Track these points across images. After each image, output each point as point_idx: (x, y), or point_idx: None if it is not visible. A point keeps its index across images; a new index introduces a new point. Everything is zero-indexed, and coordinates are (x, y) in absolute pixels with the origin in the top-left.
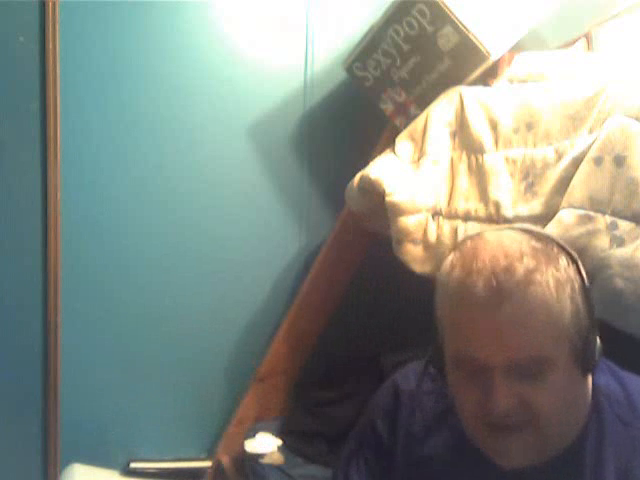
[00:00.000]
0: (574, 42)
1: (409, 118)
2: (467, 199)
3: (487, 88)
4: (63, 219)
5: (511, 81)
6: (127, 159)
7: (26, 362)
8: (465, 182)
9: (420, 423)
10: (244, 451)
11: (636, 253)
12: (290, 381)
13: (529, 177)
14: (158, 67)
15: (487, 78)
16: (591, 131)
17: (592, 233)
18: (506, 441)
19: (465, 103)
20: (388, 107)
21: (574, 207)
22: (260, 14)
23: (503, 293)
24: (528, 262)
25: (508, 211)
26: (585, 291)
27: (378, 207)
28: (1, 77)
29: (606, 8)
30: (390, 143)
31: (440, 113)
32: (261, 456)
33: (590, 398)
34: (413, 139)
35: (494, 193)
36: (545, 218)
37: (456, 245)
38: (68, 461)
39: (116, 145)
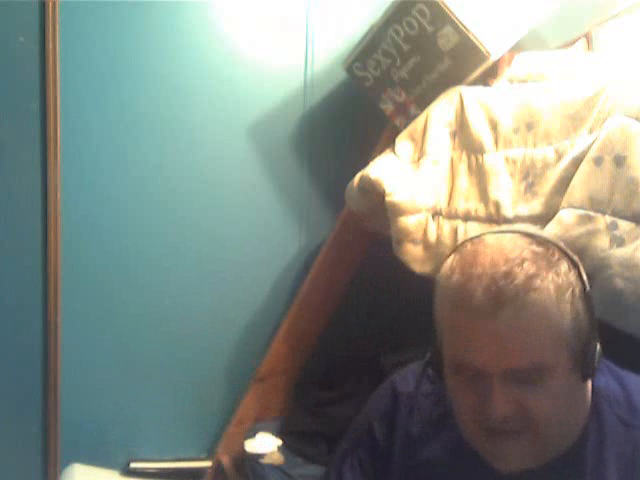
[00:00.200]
0: (574, 42)
1: (409, 118)
2: (467, 199)
3: (487, 88)
4: (63, 219)
5: (511, 81)
6: (127, 159)
7: (26, 362)
8: (465, 182)
9: (418, 426)
10: (244, 451)
11: (636, 253)
12: (290, 381)
13: (529, 177)
14: (158, 67)
15: (487, 78)
16: (591, 131)
17: (592, 233)
18: (504, 445)
19: (465, 103)
20: (388, 107)
21: (574, 207)
22: (260, 14)
23: (502, 299)
24: (528, 267)
25: (508, 211)
26: (586, 296)
27: (378, 207)
28: (1, 77)
29: (606, 8)
30: (390, 143)
31: (440, 113)
32: (261, 456)
33: (590, 400)
34: (413, 139)
35: (494, 193)
36: (545, 218)
37: (456, 248)
38: (68, 461)
39: (116, 145)
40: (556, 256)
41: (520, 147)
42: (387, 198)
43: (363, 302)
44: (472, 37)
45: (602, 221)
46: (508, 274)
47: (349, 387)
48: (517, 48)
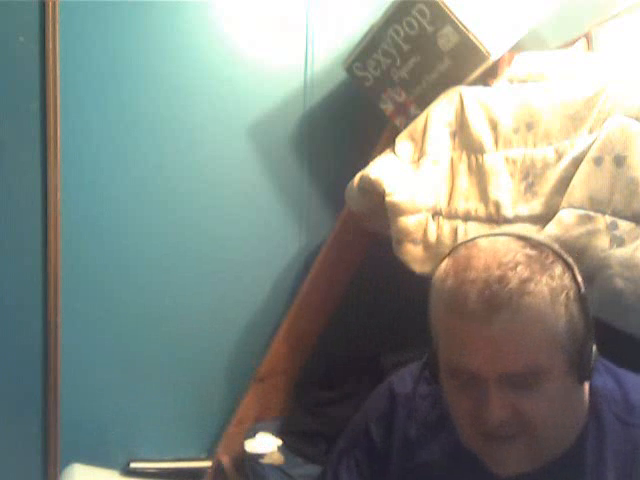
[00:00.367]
0: (574, 42)
1: (409, 118)
2: (467, 199)
3: (487, 88)
4: (63, 219)
5: (511, 81)
6: (127, 159)
7: (26, 362)
8: (465, 182)
9: (416, 428)
10: (244, 451)
11: (636, 253)
12: (290, 381)
13: (529, 177)
14: (158, 67)
15: (487, 78)
16: (591, 131)
17: (592, 233)
18: (501, 449)
19: (465, 103)
20: (388, 107)
21: (574, 207)
22: (260, 14)
23: (496, 304)
24: (522, 271)
25: (508, 211)
26: (581, 299)
27: (378, 207)
28: (1, 77)
29: (606, 8)
30: (390, 143)
31: (440, 113)
32: (261, 456)
33: (587, 401)
34: (413, 139)
35: (494, 193)
36: (545, 218)
37: (450, 251)
38: (68, 461)
39: (116, 145)
40: (550, 259)
41: (520, 147)
42: (387, 198)
43: (363, 302)
44: (472, 37)
45: (602, 221)
46: (502, 278)
47: (349, 387)
48: (517, 48)
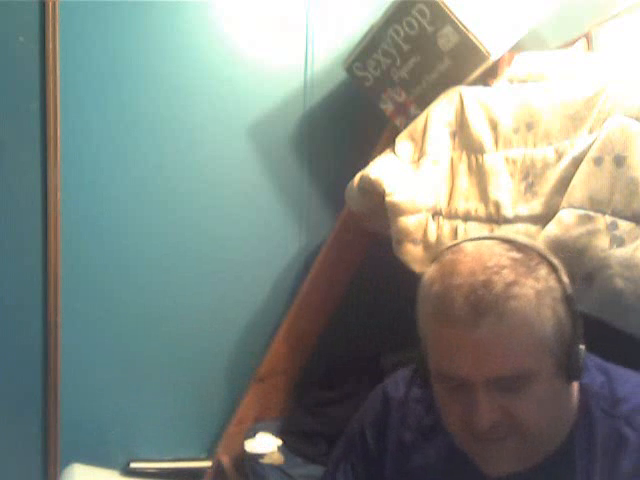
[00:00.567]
0: (574, 42)
1: (409, 118)
2: (467, 199)
3: (487, 88)
4: (63, 219)
5: (511, 81)
6: (127, 159)
7: (26, 362)
8: (465, 182)
9: (411, 432)
10: (244, 451)
11: (636, 253)
12: (290, 381)
13: (529, 177)
14: (158, 67)
15: (487, 78)
16: (591, 131)
17: (592, 233)
18: (492, 450)
19: (465, 103)
20: (388, 107)
21: (574, 207)
22: (260, 14)
23: (482, 308)
24: (507, 275)
25: (508, 211)
26: (567, 300)
27: (378, 207)
28: (1, 77)
29: (606, 8)
30: (390, 143)
31: (440, 113)
32: (261, 456)
33: (577, 399)
34: (413, 139)
35: (494, 193)
36: (545, 218)
37: (436, 257)
38: (68, 461)
39: (116, 145)
40: (535, 261)
41: (520, 147)
42: (387, 198)
43: (363, 302)
44: (472, 37)
45: (602, 221)
46: (487, 283)
47: (349, 387)
48: (517, 48)
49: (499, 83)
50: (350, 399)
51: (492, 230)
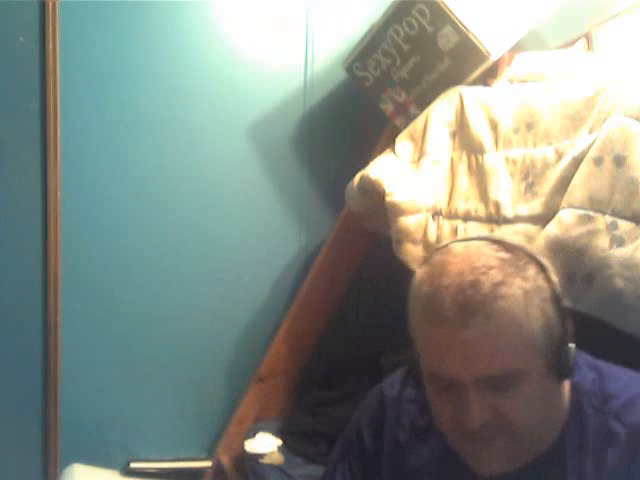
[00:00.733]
0: (574, 42)
1: (409, 118)
2: (467, 199)
3: (487, 88)
4: (63, 219)
5: (511, 81)
6: (127, 159)
7: (26, 362)
8: (465, 182)
9: (405, 432)
10: (244, 451)
11: (636, 253)
12: (290, 381)
13: (529, 177)
14: (158, 67)
15: (487, 78)
16: (591, 131)
17: (592, 233)
18: (483, 450)
19: (465, 103)
20: (388, 107)
21: (574, 207)
22: (260, 14)
23: (470, 308)
24: (495, 275)
25: (508, 211)
26: (556, 299)
27: (378, 207)
28: (1, 77)
29: (606, 8)
30: (390, 143)
31: (440, 113)
32: (261, 456)
33: (568, 398)
34: (413, 139)
35: (494, 193)
36: (545, 218)
37: (425, 258)
38: (68, 461)
39: (116, 145)
40: (523, 261)
41: (520, 147)
42: (387, 198)
43: (363, 302)
44: (472, 37)
45: (602, 221)
46: (475, 283)
47: (349, 387)
48: (517, 48)
49: (499, 83)
50: (350, 399)
51: (492, 230)
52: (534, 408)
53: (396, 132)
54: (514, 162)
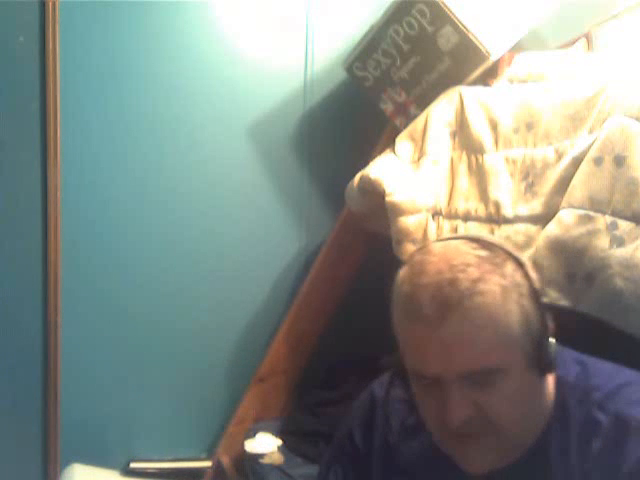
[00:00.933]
0: (574, 42)
1: (409, 118)
2: (467, 199)
3: (487, 88)
4: (63, 219)
5: (511, 81)
6: (127, 159)
7: (26, 362)
8: (465, 182)
9: (395, 431)
10: (244, 451)
11: (636, 253)
12: (290, 381)
13: (529, 177)
14: (158, 67)
15: (487, 78)
16: (591, 131)
17: (592, 233)
18: (469, 447)
19: (465, 103)
20: (388, 107)
21: (574, 207)
22: (260, 14)
23: (448, 306)
24: (472, 272)
25: (508, 211)
26: (534, 294)
27: (378, 207)
28: (1, 77)
29: (606, 8)
30: (390, 143)
31: (440, 113)
32: (261, 456)
33: (553, 393)
34: (413, 139)
35: (494, 193)
36: (545, 218)
37: (407, 259)
38: (68, 461)
39: (116, 145)
40: (501, 258)
41: (520, 147)
42: (387, 198)
43: (363, 302)
44: (472, 37)
45: (602, 221)
46: (453, 280)
47: (349, 387)
48: (517, 48)
49: (499, 83)
50: (350, 399)
51: (492, 230)
52: (517, 403)
53: (396, 132)
54: (514, 162)
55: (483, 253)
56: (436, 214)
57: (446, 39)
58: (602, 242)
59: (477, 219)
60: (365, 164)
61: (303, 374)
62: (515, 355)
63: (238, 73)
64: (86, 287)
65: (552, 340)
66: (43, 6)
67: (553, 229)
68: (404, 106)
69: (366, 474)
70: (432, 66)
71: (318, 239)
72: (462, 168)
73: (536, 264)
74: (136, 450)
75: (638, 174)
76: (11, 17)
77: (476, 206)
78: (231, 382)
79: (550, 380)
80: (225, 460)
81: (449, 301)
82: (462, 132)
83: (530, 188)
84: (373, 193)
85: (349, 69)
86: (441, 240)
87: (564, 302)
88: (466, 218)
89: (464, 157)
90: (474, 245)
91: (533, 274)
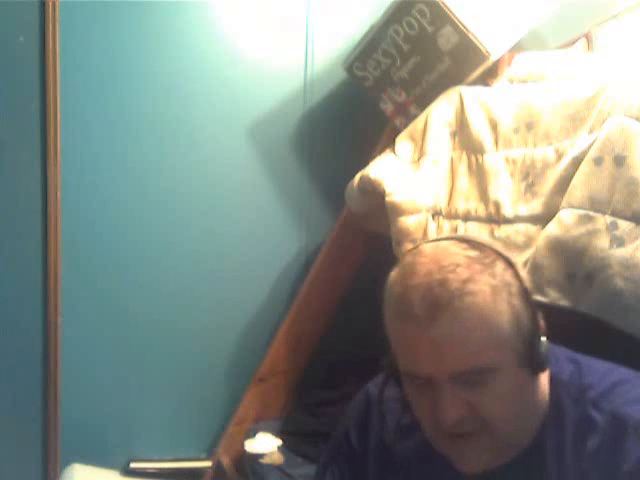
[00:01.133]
0: (574, 42)
1: (409, 118)
2: (467, 199)
3: (487, 88)
4: (63, 219)
5: (511, 81)
6: (127, 159)
7: (26, 362)
8: (465, 182)
9: (390, 431)
10: (244, 451)
11: (636, 253)
12: (290, 381)
13: (529, 177)
14: (158, 67)
15: (487, 78)
16: (591, 131)
17: (592, 233)
18: (464, 447)
19: (465, 103)
20: (388, 107)
21: (574, 207)
22: (260, 14)
23: (438, 306)
24: (461, 272)
25: (508, 211)
26: (524, 294)
27: (378, 207)
28: (1, 77)
29: (606, 8)
30: (390, 143)
31: (440, 113)
32: (261, 456)
33: (547, 391)
34: (413, 139)
35: (494, 193)
36: (545, 218)
37: (398, 261)
38: (68, 461)
39: (116, 145)
40: (490, 258)
41: (520, 147)
42: (387, 198)
43: (363, 302)
44: (472, 37)
45: (602, 221)
46: (443, 281)
47: (349, 387)
48: (517, 48)
49: (499, 83)
50: (350, 399)
51: (492, 230)
52: (509, 402)
53: (396, 132)
54: (514, 162)
55: (473, 253)
56: (436, 214)
57: (446, 39)
58: (602, 242)
59: (477, 219)
60: (365, 164)
61: (303, 374)
62: (506, 354)
63: (238, 73)
64: (86, 287)
65: (544, 339)
66: (43, 6)
67: (553, 229)
68: (404, 106)
69: (362, 474)
70: (432, 66)
71: (318, 239)
72: (462, 168)
73: (536, 264)
74: (136, 450)
75: (638, 174)
76: (11, 17)
77: (476, 206)
78: (231, 382)
79: (544, 379)
80: (225, 460)
81: (439, 301)
82: (462, 132)
83: (530, 188)
84: (373, 193)
85: (349, 69)
86: (432, 241)
87: (564, 302)
88: (466, 218)
89: (464, 157)
90: (464, 246)
91: (523, 273)
